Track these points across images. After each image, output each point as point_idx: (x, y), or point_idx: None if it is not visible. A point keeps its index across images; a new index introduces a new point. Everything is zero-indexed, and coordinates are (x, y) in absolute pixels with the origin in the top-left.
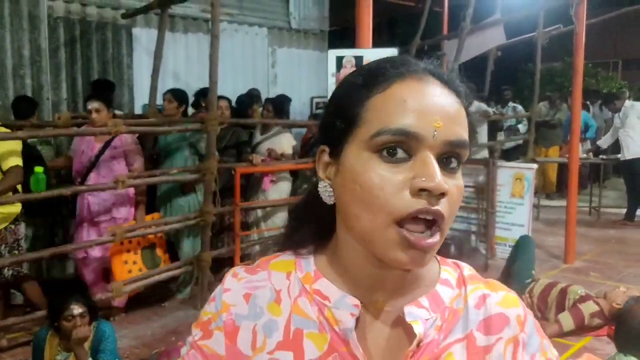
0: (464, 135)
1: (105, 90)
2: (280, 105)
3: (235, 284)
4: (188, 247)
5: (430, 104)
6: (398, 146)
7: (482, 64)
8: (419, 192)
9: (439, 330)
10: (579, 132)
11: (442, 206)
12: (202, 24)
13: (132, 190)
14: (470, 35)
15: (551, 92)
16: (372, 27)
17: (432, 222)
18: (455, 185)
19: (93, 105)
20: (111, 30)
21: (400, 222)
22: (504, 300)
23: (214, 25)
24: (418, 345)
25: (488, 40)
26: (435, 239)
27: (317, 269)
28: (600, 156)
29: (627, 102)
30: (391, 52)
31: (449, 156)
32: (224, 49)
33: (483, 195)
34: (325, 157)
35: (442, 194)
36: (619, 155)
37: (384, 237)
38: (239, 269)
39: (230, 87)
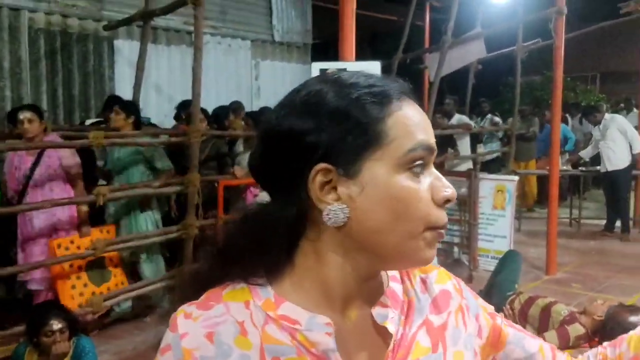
0: None
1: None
2: (260, 118)
3: (191, 326)
4: (149, 268)
5: (427, 122)
6: (421, 161)
7: (464, 77)
8: (445, 202)
9: (404, 324)
10: (559, 144)
11: None
12: (184, 36)
13: (74, 208)
14: (452, 49)
15: (527, 106)
16: (355, 41)
17: None
18: None
19: (25, 115)
20: (92, 42)
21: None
22: (439, 278)
23: (197, 38)
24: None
25: (469, 53)
26: None
27: (277, 294)
28: (580, 168)
29: (607, 115)
30: (375, 65)
31: None
32: (207, 61)
33: (465, 207)
34: (327, 178)
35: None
36: (599, 167)
37: (420, 241)
38: (188, 308)
39: (213, 100)
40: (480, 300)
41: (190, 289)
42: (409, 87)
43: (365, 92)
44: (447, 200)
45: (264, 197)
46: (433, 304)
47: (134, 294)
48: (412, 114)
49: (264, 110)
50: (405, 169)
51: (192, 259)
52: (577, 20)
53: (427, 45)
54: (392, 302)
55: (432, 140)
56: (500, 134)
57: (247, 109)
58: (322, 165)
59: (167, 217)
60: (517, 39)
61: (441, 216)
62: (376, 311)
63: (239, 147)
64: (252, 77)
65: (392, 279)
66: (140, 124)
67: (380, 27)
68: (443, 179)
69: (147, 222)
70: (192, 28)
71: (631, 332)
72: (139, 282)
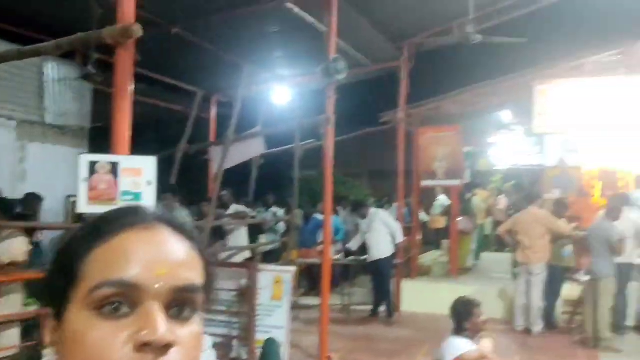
0: (196, 280)
1: None
2: (9, 206)
3: None
4: None
5: (155, 251)
6: (120, 300)
7: (249, 170)
8: (143, 346)
9: None
10: (330, 235)
11: (171, 358)
12: None
13: None
14: (235, 144)
15: (308, 199)
16: (139, 127)
17: None
18: (189, 333)
19: None
20: None
21: None
22: None
23: None
24: None
25: (249, 149)
26: None
27: None
28: (350, 257)
29: (373, 209)
30: (150, 160)
31: (180, 303)
32: None
33: (244, 298)
34: (52, 322)
35: (169, 346)
36: (366, 257)
37: None
38: None
39: None
40: None
41: None
42: (156, 216)
43: (86, 226)
44: (146, 344)
45: (11, 297)
46: None
47: None
48: (122, 248)
49: (28, 196)
50: (95, 311)
51: None
52: (346, 124)
53: (212, 137)
54: None
55: (142, 277)
56: (281, 226)
57: (10, 194)
58: (48, 310)
59: None
60: (295, 138)
61: None
62: None
63: None
64: (16, 160)
65: None
66: None
67: (166, 114)
68: (154, 317)
69: None
70: None
71: None
72: None
